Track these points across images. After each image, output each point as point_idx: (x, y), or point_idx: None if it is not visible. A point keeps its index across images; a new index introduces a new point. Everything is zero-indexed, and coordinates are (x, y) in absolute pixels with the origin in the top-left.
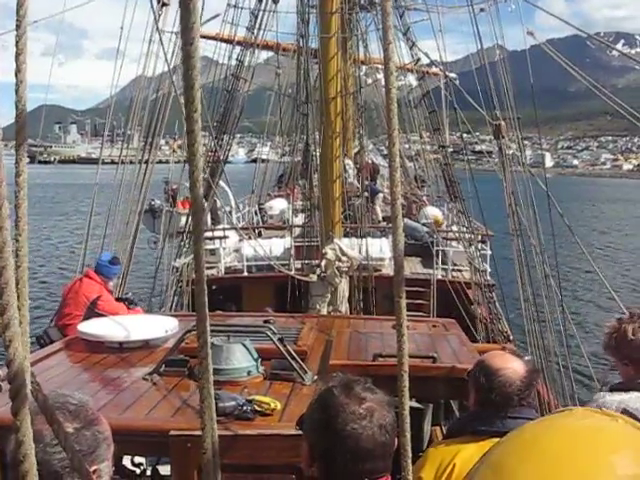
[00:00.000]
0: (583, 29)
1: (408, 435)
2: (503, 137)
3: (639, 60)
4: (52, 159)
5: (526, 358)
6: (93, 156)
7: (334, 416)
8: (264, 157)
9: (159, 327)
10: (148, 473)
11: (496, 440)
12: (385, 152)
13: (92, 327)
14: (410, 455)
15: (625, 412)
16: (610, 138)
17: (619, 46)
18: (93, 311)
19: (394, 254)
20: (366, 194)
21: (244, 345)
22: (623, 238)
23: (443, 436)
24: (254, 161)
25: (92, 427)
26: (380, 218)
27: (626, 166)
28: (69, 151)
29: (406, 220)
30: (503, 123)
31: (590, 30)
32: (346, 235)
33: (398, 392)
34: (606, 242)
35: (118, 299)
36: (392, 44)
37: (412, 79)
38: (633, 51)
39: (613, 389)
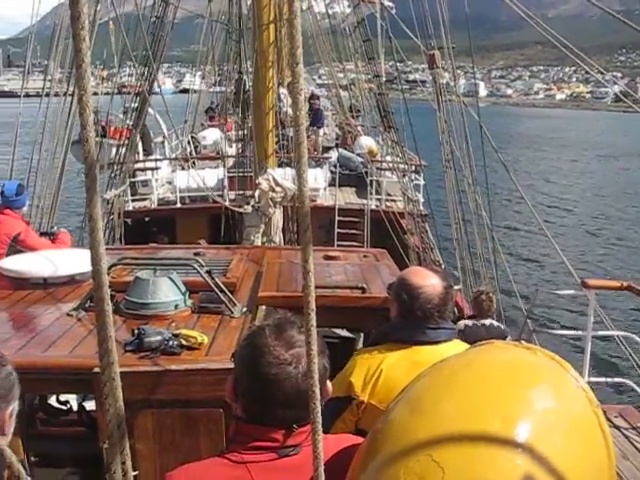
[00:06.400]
0: None
1: (316, 377)
2: (437, 67)
3: None
4: None
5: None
6: (5, 89)
7: (258, 357)
8: (195, 88)
9: (85, 262)
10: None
11: (417, 348)
12: (319, 81)
13: (15, 263)
14: (319, 398)
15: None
16: (542, 68)
17: None
18: (15, 248)
19: (298, 184)
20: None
21: (171, 278)
22: (556, 175)
23: (365, 344)
24: (183, 91)
25: (4, 368)
26: (320, 148)
27: (559, 96)
28: None
29: (341, 150)
30: (438, 52)
31: None
32: (281, 165)
33: (305, 329)
34: (538, 175)
35: (42, 233)
36: None
37: (346, 6)
38: None
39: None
